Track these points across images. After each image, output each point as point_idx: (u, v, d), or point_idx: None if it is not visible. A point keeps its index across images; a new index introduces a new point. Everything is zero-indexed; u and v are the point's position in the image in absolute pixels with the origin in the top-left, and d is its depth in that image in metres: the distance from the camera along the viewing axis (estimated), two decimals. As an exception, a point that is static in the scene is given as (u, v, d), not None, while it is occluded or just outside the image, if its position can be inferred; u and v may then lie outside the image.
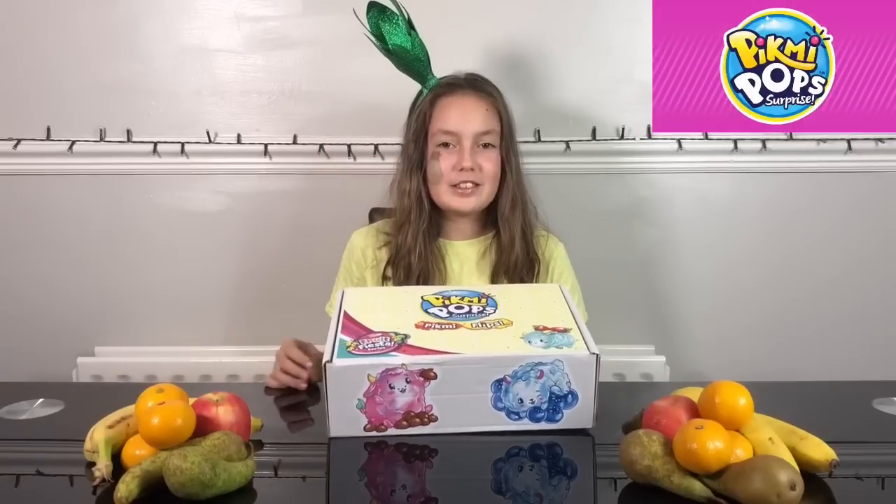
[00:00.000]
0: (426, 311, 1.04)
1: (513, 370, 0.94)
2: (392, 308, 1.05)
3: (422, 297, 1.07)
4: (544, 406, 0.96)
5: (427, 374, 0.93)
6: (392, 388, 0.94)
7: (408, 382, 0.93)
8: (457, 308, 1.04)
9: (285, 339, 1.21)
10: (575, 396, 0.96)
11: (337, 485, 0.89)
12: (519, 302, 1.07)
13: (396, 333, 0.98)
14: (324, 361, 0.93)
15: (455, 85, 1.34)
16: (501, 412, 0.96)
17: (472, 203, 1.33)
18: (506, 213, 1.35)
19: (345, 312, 1.04)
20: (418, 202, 1.34)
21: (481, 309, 1.04)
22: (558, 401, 0.96)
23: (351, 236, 1.42)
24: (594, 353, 0.95)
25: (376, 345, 0.96)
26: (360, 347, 0.95)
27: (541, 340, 0.97)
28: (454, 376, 0.94)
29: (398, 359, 0.93)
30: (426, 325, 1.00)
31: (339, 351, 0.95)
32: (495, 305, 1.05)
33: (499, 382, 0.95)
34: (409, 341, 0.96)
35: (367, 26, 1.32)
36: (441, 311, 1.04)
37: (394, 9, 1.31)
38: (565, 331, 0.99)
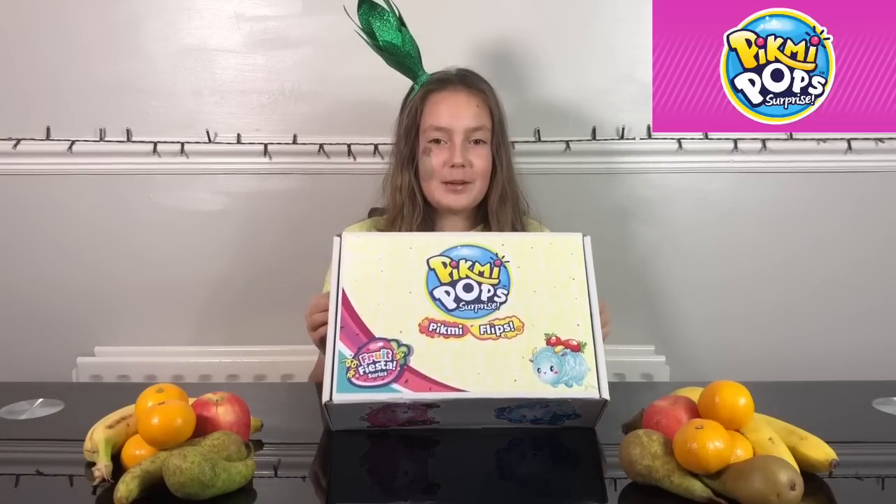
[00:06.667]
0: (431, 293, 0.99)
1: (517, 404, 0.95)
2: (395, 290, 0.99)
3: (428, 264, 1.01)
4: (547, 419, 0.98)
5: (430, 405, 0.94)
6: (394, 411, 0.95)
7: (409, 408, 0.94)
8: (465, 290, 1.00)
9: (318, 298, 1.14)
10: (578, 416, 0.97)
11: (338, 481, 0.89)
12: (533, 282, 1.01)
13: (399, 344, 0.95)
14: (323, 401, 0.92)
15: (446, 81, 1.35)
16: (503, 420, 0.97)
17: (464, 200, 1.34)
18: (495, 208, 1.36)
19: (343, 292, 0.99)
20: (411, 198, 1.35)
21: (491, 293, 1.00)
22: (562, 417, 0.97)
23: (343, 234, 1.40)
24: (604, 399, 0.93)
25: (377, 366, 0.94)
26: (361, 373, 0.93)
27: (551, 369, 0.94)
28: (457, 407, 0.94)
29: (400, 395, 0.92)
30: (431, 330, 0.96)
31: (339, 381, 0.93)
32: (507, 286, 1.00)
33: (502, 409, 0.96)
34: (412, 360, 0.94)
35: (358, 23, 1.32)
36: (448, 292, 0.99)
37: (384, 5, 1.30)
38: (578, 348, 0.96)
